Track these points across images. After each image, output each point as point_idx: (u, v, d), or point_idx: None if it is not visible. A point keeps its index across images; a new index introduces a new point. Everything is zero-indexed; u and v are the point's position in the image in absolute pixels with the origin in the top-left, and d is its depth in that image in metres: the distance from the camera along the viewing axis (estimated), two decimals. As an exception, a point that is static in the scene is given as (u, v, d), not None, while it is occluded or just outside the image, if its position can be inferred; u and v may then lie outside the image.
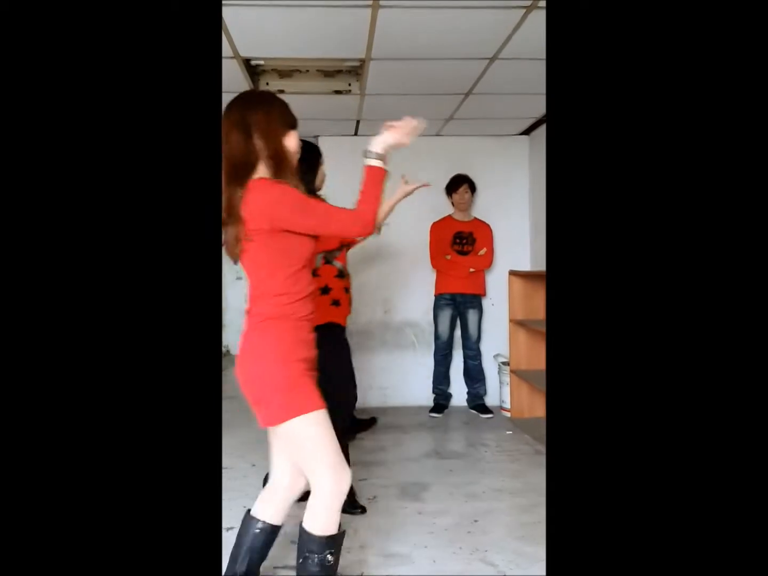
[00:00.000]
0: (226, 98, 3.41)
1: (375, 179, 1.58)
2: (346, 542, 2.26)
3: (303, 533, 1.62)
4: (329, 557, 1.60)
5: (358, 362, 4.42)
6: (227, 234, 1.55)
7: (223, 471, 3.10)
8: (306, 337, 1.61)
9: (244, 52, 2.75)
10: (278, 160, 1.57)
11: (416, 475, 3.03)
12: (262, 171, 1.57)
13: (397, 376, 4.44)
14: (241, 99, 1.64)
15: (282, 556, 2.19)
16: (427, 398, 4.28)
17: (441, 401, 4.24)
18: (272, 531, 1.77)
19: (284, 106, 1.65)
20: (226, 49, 2.66)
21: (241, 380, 1.60)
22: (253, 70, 3.00)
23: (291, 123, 1.63)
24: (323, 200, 2.64)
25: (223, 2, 2.20)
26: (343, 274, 2.86)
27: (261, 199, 1.51)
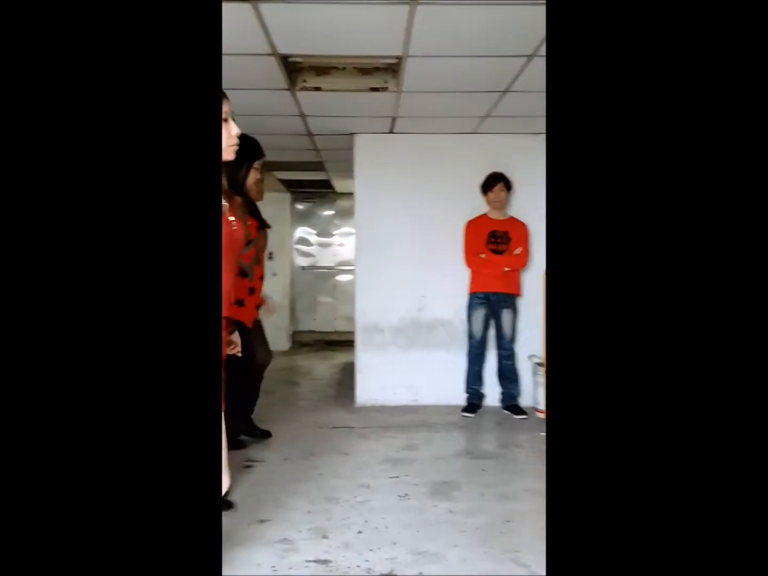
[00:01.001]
0: (267, 95, 3.43)
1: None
2: (376, 539, 2.28)
3: None
4: None
5: (390, 360, 4.45)
6: None
7: (258, 464, 3.14)
8: None
9: (282, 50, 2.77)
10: None
11: (447, 474, 3.01)
12: None
13: (428, 374, 4.42)
14: None
15: (313, 551, 2.20)
16: (459, 398, 4.25)
17: (474, 401, 4.21)
18: None
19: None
20: (264, 46, 2.69)
21: None
22: (290, 67, 3.03)
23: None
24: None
25: (261, 0, 2.22)
26: (245, 273, 2.88)
27: None
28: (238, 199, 2.02)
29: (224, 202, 1.62)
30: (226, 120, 1.59)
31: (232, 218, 1.66)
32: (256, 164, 2.83)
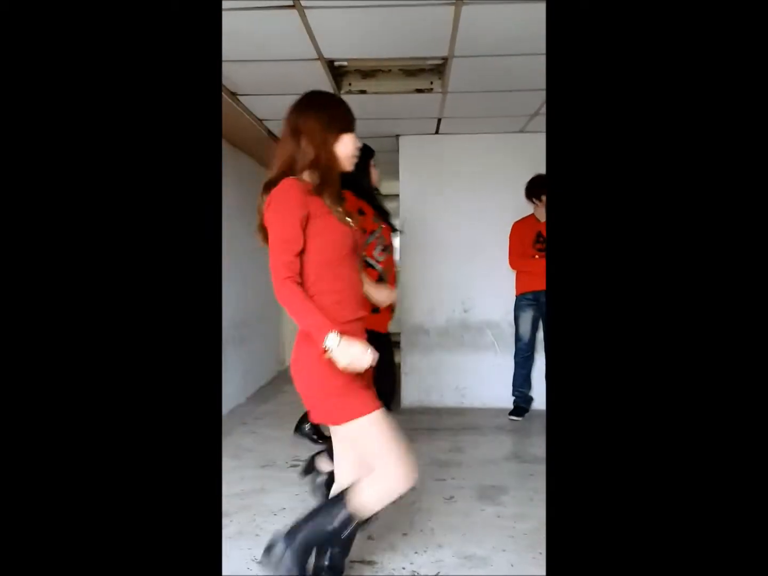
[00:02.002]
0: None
1: (308, 324, 1.50)
2: (422, 541, 2.27)
3: (339, 495, 1.66)
4: (346, 532, 1.65)
5: (436, 362, 4.43)
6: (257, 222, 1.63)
7: (303, 464, 3.17)
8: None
9: (328, 54, 2.80)
10: (318, 166, 1.58)
11: (495, 477, 2.98)
12: (306, 174, 1.59)
13: (475, 377, 4.38)
14: (299, 102, 1.65)
15: (358, 552, 2.21)
16: (506, 401, 4.20)
17: (521, 404, 4.15)
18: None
19: (339, 108, 1.63)
20: (310, 51, 2.72)
21: (294, 382, 1.65)
22: (336, 71, 3.05)
23: (344, 127, 1.61)
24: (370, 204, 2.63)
25: (306, 5, 2.25)
26: (381, 278, 2.78)
27: (271, 195, 1.55)
28: (349, 198, 2.01)
29: (339, 208, 1.62)
30: (354, 132, 1.63)
31: (348, 219, 1.65)
32: (372, 162, 2.86)
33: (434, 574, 2.06)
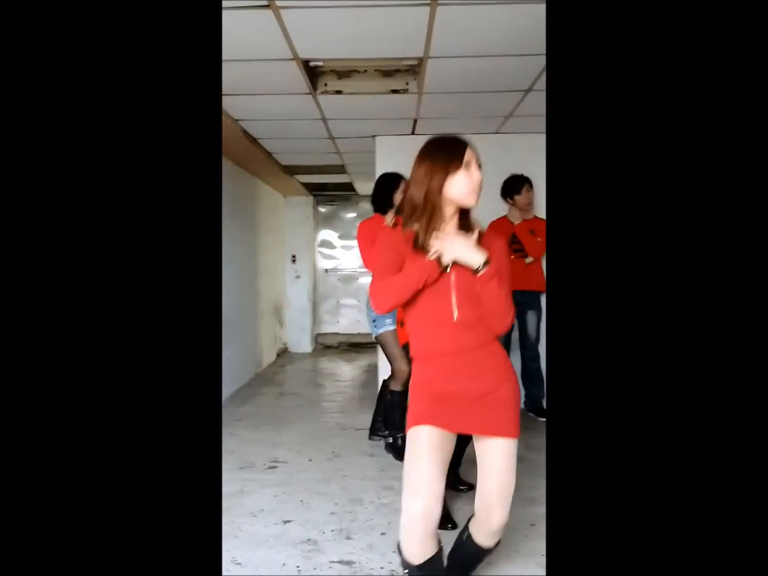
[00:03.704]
0: (289, 100, 3.45)
1: (422, 272, 1.52)
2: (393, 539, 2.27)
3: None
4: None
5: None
6: None
7: (282, 465, 3.16)
8: (437, 374, 1.58)
9: (303, 54, 2.79)
10: (406, 206, 1.59)
11: (472, 476, 2.99)
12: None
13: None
14: (422, 147, 1.63)
15: (337, 552, 2.21)
16: (483, 399, 4.22)
17: (498, 403, 4.18)
18: (475, 546, 1.73)
19: (443, 150, 1.58)
20: (285, 51, 2.71)
21: None
22: (312, 71, 3.05)
23: (448, 167, 1.55)
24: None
25: (282, 5, 2.24)
26: None
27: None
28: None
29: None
30: (468, 166, 1.57)
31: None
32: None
33: (413, 573, 2.06)
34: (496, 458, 1.61)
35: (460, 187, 1.55)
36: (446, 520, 2.45)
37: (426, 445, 1.53)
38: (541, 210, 4.21)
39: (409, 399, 1.62)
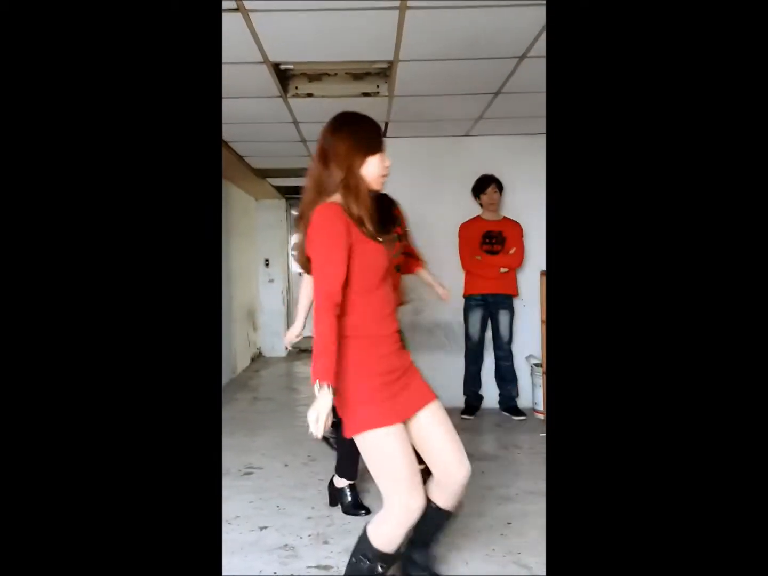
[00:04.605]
0: (259, 103, 3.42)
1: (319, 361, 1.47)
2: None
3: (364, 535, 1.65)
4: (380, 569, 1.64)
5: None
6: (297, 246, 1.65)
7: (257, 471, 3.13)
8: (387, 351, 1.63)
9: (274, 57, 2.78)
10: (346, 188, 1.59)
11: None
12: (337, 196, 1.59)
13: (427, 377, 4.39)
14: (329, 124, 1.67)
15: (314, 557, 2.20)
16: (458, 400, 4.25)
17: (473, 402, 4.21)
18: (440, 514, 1.75)
19: (366, 130, 1.65)
20: (255, 55, 2.69)
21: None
22: (282, 74, 3.04)
23: (372, 148, 1.61)
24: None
25: (252, 8, 2.23)
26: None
27: (311, 222, 1.56)
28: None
29: (370, 227, 1.59)
30: (383, 150, 1.64)
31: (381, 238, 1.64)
32: None
33: (390, 574, 2.07)
34: (437, 423, 1.68)
35: (374, 169, 1.61)
36: (360, 507, 2.56)
37: (400, 441, 1.57)
38: (510, 211, 4.27)
39: (356, 386, 1.57)
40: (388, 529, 1.60)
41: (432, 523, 1.76)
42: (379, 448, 1.56)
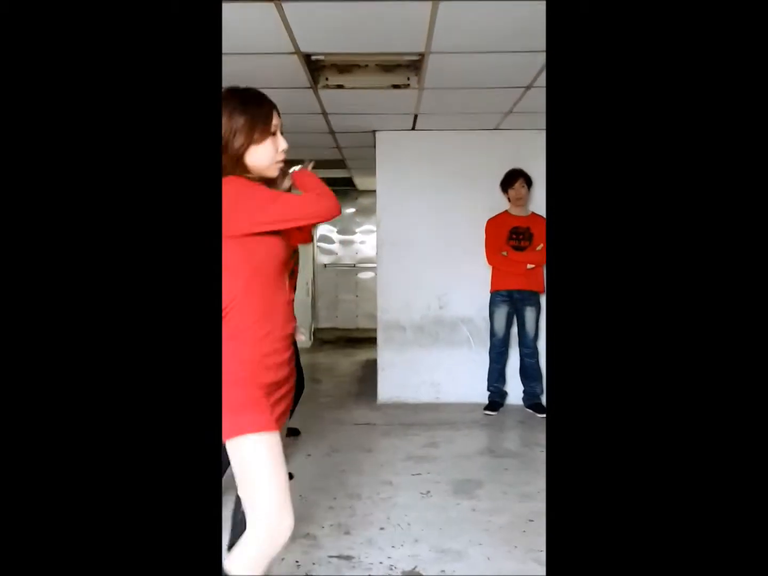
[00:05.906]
0: (289, 94, 3.43)
1: (306, 176, 1.49)
2: (399, 535, 2.28)
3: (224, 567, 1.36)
4: None
5: (411, 357, 4.44)
6: None
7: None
8: (272, 359, 1.39)
9: (305, 48, 2.78)
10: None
11: (470, 472, 3.00)
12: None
13: (450, 372, 4.41)
14: (223, 100, 1.40)
15: (336, 547, 2.21)
16: (481, 396, 4.24)
17: (496, 399, 4.19)
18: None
19: (247, 111, 1.40)
20: (286, 45, 2.70)
21: None
22: (313, 65, 3.04)
23: (252, 133, 1.39)
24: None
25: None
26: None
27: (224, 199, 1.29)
28: None
29: None
30: (274, 133, 1.43)
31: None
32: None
33: (411, 568, 2.07)
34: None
35: (265, 155, 1.40)
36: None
37: (276, 452, 1.36)
38: (539, 207, 4.22)
39: (242, 399, 1.35)
40: (251, 554, 1.35)
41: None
42: (248, 455, 1.34)
